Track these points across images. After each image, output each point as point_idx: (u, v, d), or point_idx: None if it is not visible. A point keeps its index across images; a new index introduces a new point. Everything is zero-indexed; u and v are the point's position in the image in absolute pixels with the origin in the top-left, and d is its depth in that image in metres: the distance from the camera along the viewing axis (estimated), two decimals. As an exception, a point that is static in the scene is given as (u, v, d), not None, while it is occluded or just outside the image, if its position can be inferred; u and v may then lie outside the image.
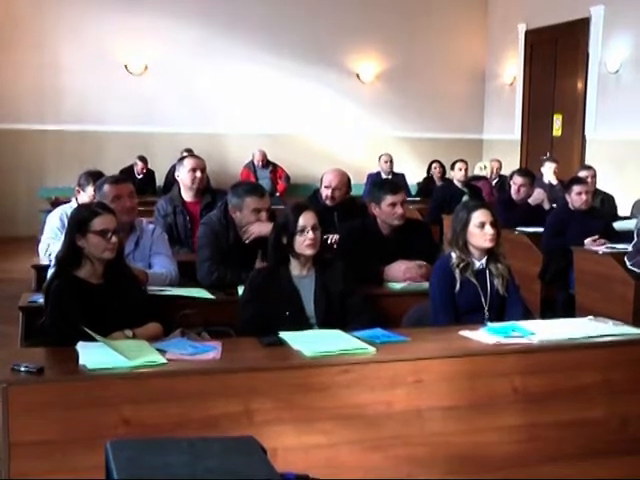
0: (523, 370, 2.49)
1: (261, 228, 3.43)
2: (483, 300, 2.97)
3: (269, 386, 2.25)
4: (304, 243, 2.92)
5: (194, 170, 4.31)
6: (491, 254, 3.01)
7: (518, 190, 5.81)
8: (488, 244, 2.97)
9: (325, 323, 2.86)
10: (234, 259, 3.47)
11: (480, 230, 2.96)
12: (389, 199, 3.60)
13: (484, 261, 3.02)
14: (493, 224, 2.97)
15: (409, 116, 10.59)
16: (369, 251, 3.55)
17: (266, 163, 9.49)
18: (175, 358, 2.30)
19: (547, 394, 2.50)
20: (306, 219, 2.94)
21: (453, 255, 3.00)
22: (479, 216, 2.98)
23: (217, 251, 3.48)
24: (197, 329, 2.80)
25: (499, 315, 2.97)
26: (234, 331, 2.82)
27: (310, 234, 2.92)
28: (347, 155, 10.13)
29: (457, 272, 2.96)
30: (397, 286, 3.45)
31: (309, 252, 2.93)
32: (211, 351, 2.37)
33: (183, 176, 4.35)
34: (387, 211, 3.61)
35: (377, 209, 3.66)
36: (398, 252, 3.57)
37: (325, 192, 4.40)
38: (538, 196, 5.88)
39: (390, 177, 8.55)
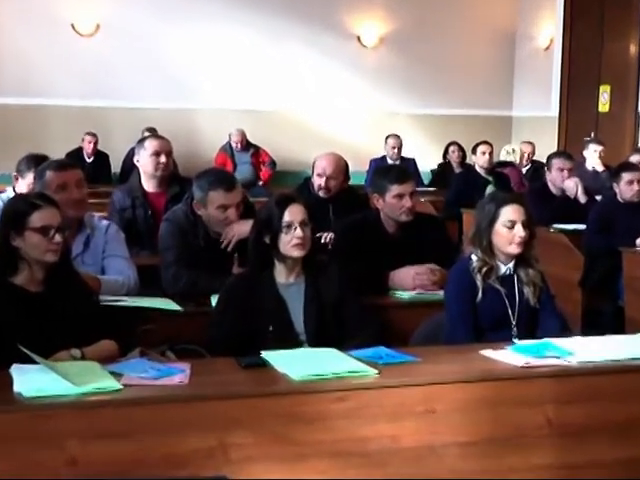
0: (558, 398, 2.51)
1: (241, 229, 3.44)
2: (510, 313, 2.99)
3: (249, 416, 2.26)
4: (290, 243, 2.94)
5: (157, 154, 4.33)
6: (521, 257, 3.03)
7: (560, 176, 5.79)
8: (515, 249, 2.98)
9: (317, 340, 2.88)
10: (206, 262, 3.48)
11: (508, 231, 2.96)
12: (395, 190, 3.62)
13: (511, 265, 3.04)
14: (525, 224, 2.97)
15: (421, 89, 10.62)
16: (371, 253, 3.57)
17: (246, 145, 9.52)
18: (133, 383, 2.31)
19: (587, 427, 2.52)
20: (293, 213, 2.96)
21: (474, 257, 3.02)
22: (509, 213, 2.98)
23: (185, 253, 3.51)
24: (161, 348, 2.81)
25: (530, 331, 2.99)
26: (206, 350, 2.84)
27: (298, 232, 2.94)
28: (345, 136, 10.16)
29: (478, 278, 2.98)
30: (405, 295, 3.48)
31: (297, 254, 2.95)
32: (177, 374, 2.39)
33: (144, 161, 4.36)
34: (393, 204, 3.63)
35: (381, 202, 3.68)
36: (406, 254, 3.59)
37: (318, 181, 4.43)
38: (570, 186, 5.82)
39: (398, 163, 8.59)
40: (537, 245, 3.08)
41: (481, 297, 2.96)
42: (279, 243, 2.95)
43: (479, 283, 2.97)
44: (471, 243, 3.05)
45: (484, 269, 2.98)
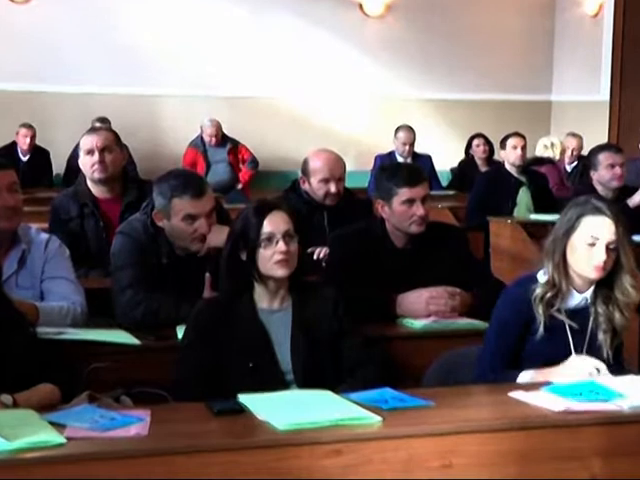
0: (606, 450, 2.53)
1: (218, 237, 3.48)
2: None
3: (223, 475, 2.27)
4: (272, 259, 2.97)
5: (90, 152, 4.34)
6: (602, 286, 2.91)
7: (611, 174, 5.82)
8: (594, 274, 2.86)
9: (307, 380, 2.90)
10: (170, 285, 3.52)
11: (588, 248, 2.84)
12: (404, 194, 3.66)
13: (589, 295, 2.92)
14: (612, 247, 2.82)
15: (438, 68, 10.67)
16: (374, 272, 3.61)
17: (222, 140, 9.55)
18: (79, 436, 2.32)
19: (642, 485, 2.54)
20: (274, 223, 2.99)
21: (541, 276, 2.94)
22: (593, 226, 2.84)
23: (144, 274, 3.53)
24: (114, 391, 2.82)
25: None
26: (170, 393, 2.85)
27: (280, 245, 2.97)
28: (345, 128, 10.22)
29: (540, 307, 2.90)
30: (417, 324, 3.51)
31: (280, 273, 2.98)
32: (134, 424, 2.40)
33: (81, 162, 4.40)
34: (401, 212, 3.67)
35: (386, 209, 3.71)
36: (418, 273, 3.63)
37: (324, 188, 4.46)
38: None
39: (409, 161, 8.61)
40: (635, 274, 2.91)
41: (542, 333, 2.88)
42: (258, 260, 2.98)
43: (540, 313, 2.89)
44: (546, 256, 2.92)
45: (549, 294, 2.89)
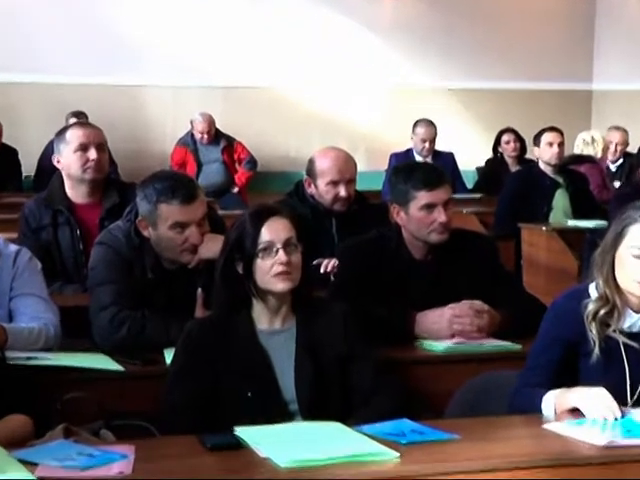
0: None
1: (211, 247, 3.48)
2: (629, 384, 2.89)
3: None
4: (271, 271, 2.98)
5: (84, 148, 4.37)
6: None
7: None
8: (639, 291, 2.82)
9: (314, 410, 2.91)
10: (157, 303, 3.53)
11: (635, 261, 2.80)
12: (423, 197, 3.66)
13: None
14: None
15: (462, 53, 10.68)
16: (390, 287, 3.62)
17: (215, 136, 9.57)
18: (54, 475, 2.31)
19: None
20: (273, 230, 3.00)
21: (593, 291, 2.91)
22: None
23: (127, 290, 3.54)
24: (93, 424, 2.83)
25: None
26: (157, 426, 2.86)
27: (281, 255, 2.98)
28: (355, 123, 10.21)
29: (594, 326, 2.87)
30: (439, 347, 3.52)
31: (281, 286, 2.99)
32: (117, 461, 2.39)
33: (67, 160, 4.41)
34: (420, 218, 3.67)
35: (403, 215, 3.73)
36: (440, 288, 3.64)
37: (333, 192, 4.46)
38: None
39: (429, 160, 8.61)
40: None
41: (597, 356, 2.85)
42: (255, 273, 2.99)
43: (594, 332, 2.86)
44: (597, 268, 2.88)
45: (602, 311, 2.86)
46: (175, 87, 10.08)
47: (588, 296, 2.92)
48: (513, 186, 7.10)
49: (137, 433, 2.81)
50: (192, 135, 9.55)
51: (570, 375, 2.95)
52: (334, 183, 4.46)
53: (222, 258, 3.08)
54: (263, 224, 3.00)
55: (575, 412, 2.78)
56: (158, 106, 10.12)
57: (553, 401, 2.83)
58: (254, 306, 3.04)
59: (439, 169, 4.04)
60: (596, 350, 2.87)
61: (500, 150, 9.20)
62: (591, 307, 2.89)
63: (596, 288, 2.91)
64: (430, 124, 8.96)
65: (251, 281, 3.00)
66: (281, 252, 2.98)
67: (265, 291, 3.01)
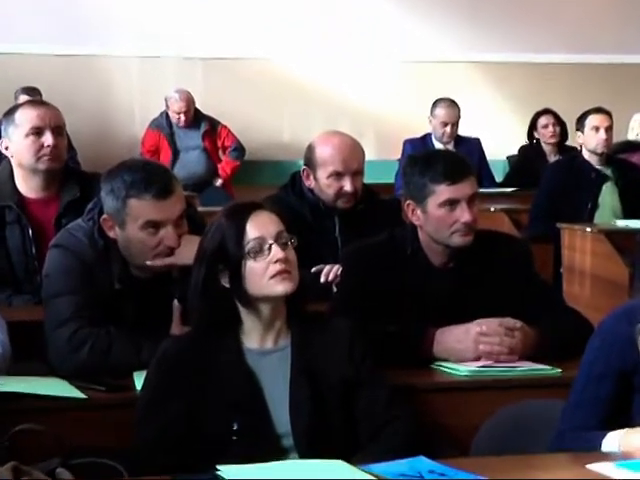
0: None
1: (190, 251, 3.43)
2: None
3: None
4: (267, 272, 2.98)
5: (38, 131, 4.37)
6: None
7: None
8: None
9: (313, 446, 2.91)
10: (126, 318, 3.53)
11: None
12: (444, 192, 3.66)
13: None
14: None
15: (492, 19, 10.68)
16: (404, 299, 3.63)
17: (195, 118, 9.59)
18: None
19: None
20: (260, 225, 3.00)
21: None
22: None
23: (90, 302, 3.54)
24: (48, 462, 2.83)
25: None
26: (126, 465, 2.85)
27: (276, 251, 2.97)
28: (362, 103, 10.22)
29: None
30: (462, 370, 3.51)
31: (281, 289, 2.99)
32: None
33: (17, 146, 4.41)
34: (440, 217, 3.68)
35: (419, 213, 3.73)
36: (463, 301, 3.64)
37: (336, 185, 4.45)
38: None
39: (450, 147, 8.61)
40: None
41: None
42: (246, 280, 2.98)
43: None
44: None
45: None
46: (146, 58, 10.07)
47: None
48: (552, 179, 7.10)
49: (101, 473, 2.81)
50: (167, 116, 9.57)
51: (623, 412, 2.95)
52: (338, 175, 4.46)
53: (202, 271, 3.05)
54: (246, 220, 3.00)
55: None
56: (126, 81, 10.12)
57: (617, 445, 2.84)
58: (242, 322, 3.05)
59: (463, 158, 4.03)
60: None
61: (536, 136, 9.21)
62: None
63: None
64: (452, 104, 8.98)
65: (241, 292, 3.00)
66: (275, 247, 2.98)
67: (259, 300, 3.01)
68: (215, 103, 9.76)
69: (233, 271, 3.00)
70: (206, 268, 3.04)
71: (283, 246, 3.01)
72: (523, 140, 9.41)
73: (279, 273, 2.98)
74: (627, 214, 6.79)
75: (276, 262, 2.98)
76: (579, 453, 2.84)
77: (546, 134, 9.07)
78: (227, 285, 3.02)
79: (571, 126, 8.03)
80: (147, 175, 3.57)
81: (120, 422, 3.05)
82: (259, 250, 2.99)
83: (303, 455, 2.92)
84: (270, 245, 2.99)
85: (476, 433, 3.16)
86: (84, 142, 8.91)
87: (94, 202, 3.72)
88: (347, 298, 3.73)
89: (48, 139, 4.36)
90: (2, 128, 4.53)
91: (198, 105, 9.60)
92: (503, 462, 2.81)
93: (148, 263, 3.55)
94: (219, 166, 9.61)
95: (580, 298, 6.04)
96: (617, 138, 7.52)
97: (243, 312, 3.05)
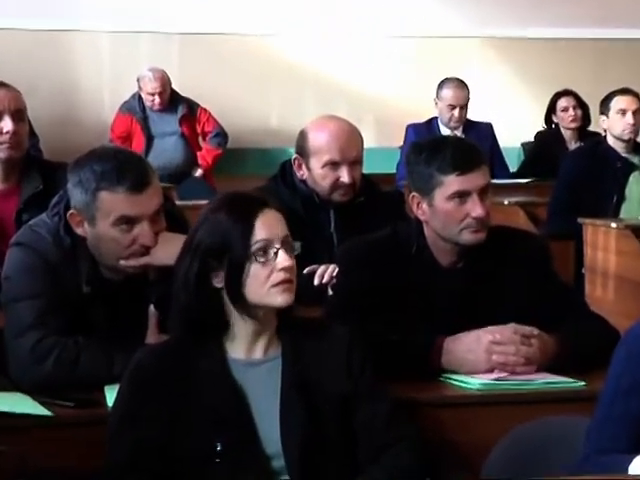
0: None
1: (167, 250, 3.45)
2: None
3: None
4: (270, 280, 2.98)
5: None
6: None
7: None
8: None
9: (306, 468, 2.92)
10: (95, 325, 3.54)
11: None
12: (453, 184, 3.67)
13: None
14: None
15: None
16: (408, 303, 3.64)
17: (171, 100, 9.61)
18: None
19: None
20: (268, 226, 3.01)
21: None
22: None
23: (55, 308, 3.54)
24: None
25: None
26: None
27: (283, 258, 2.98)
28: (360, 84, 10.24)
29: None
30: (473, 383, 3.51)
31: (281, 300, 3.01)
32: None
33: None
34: (448, 211, 3.69)
35: (425, 207, 3.74)
36: (474, 305, 3.66)
37: (332, 176, 4.47)
38: None
39: (459, 133, 8.63)
40: None
41: None
42: (246, 284, 2.98)
43: None
44: None
45: None
46: (117, 33, 10.08)
47: None
48: (572, 169, 7.12)
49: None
50: (140, 98, 9.59)
51: None
52: (334, 165, 4.48)
53: (193, 269, 3.03)
54: (255, 218, 3.00)
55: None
56: (94, 59, 10.14)
57: None
58: (230, 327, 3.05)
59: (473, 145, 4.03)
60: None
61: (555, 120, 9.24)
62: None
63: None
64: (460, 85, 9.00)
65: (236, 295, 3.00)
66: (282, 254, 2.99)
67: (254, 308, 3.01)
68: (194, 84, 9.78)
69: (231, 272, 3.00)
70: (199, 264, 3.03)
71: (287, 251, 3.01)
72: (540, 125, 9.44)
73: (282, 282, 2.99)
74: (657, 208, 6.81)
75: (281, 270, 2.99)
76: (604, 475, 2.85)
77: (566, 118, 9.08)
78: (219, 285, 3.02)
79: (594, 109, 8.05)
80: (120, 165, 3.55)
81: (90, 441, 3.05)
82: (264, 255, 2.99)
83: (295, 478, 2.93)
84: (277, 250, 2.99)
85: (488, 454, 3.15)
86: (47, 128, 8.91)
87: (60, 195, 3.72)
88: (344, 301, 3.74)
89: (7, 124, 4.37)
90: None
91: (175, 86, 9.63)
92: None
93: (121, 263, 3.54)
94: (199, 154, 9.63)
95: (604, 302, 6.04)
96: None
97: (233, 317, 3.04)
